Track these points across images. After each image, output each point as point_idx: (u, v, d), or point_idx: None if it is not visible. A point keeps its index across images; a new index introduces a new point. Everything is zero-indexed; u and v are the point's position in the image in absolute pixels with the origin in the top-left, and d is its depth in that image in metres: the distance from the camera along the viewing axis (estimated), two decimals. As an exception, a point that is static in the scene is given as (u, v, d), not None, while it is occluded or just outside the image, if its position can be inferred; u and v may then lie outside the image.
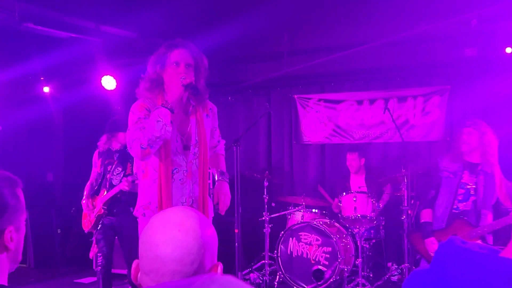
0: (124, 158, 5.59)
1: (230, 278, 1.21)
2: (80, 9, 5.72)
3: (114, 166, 5.61)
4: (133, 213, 3.55)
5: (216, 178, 3.69)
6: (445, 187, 4.71)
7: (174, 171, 3.38)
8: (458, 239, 1.27)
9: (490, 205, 4.62)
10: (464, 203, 4.64)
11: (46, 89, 8.16)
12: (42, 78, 7.97)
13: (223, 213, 3.59)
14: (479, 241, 4.43)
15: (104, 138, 5.69)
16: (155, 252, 1.38)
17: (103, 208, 5.56)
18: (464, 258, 1.21)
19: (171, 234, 1.38)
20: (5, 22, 5.42)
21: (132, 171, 5.51)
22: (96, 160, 5.76)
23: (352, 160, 6.75)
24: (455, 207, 4.65)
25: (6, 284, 1.66)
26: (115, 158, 5.63)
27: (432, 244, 4.63)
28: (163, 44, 3.46)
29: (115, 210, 5.56)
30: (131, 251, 5.58)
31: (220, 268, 1.47)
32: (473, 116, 4.87)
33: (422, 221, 4.80)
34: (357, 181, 6.80)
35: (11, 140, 8.25)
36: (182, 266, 1.36)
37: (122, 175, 5.54)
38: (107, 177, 5.61)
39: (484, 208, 4.58)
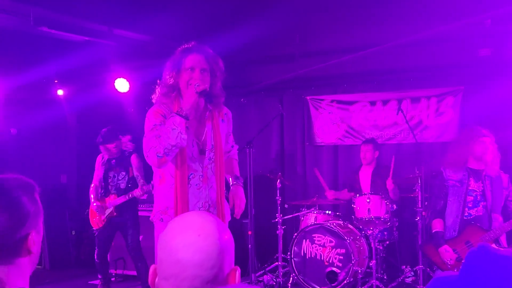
0: (123, 163, 6.24)
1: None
2: (94, 13, 5.75)
3: (115, 172, 6.24)
4: (150, 218, 3.56)
5: (231, 183, 3.70)
6: (453, 196, 4.70)
7: (190, 176, 3.39)
8: (490, 246, 1.24)
9: (499, 208, 4.62)
10: (475, 209, 4.62)
11: (60, 92, 8.22)
12: (56, 81, 8.03)
13: (238, 217, 3.60)
14: (493, 245, 4.40)
15: (102, 149, 6.30)
16: (175, 257, 1.39)
17: (115, 211, 6.19)
18: (498, 265, 1.18)
19: (191, 239, 1.40)
20: (20, 27, 5.47)
21: (133, 174, 6.22)
22: (100, 166, 6.36)
23: (367, 152, 6.72)
24: (466, 214, 4.63)
25: (28, 287, 1.69)
26: (113, 164, 6.23)
27: (446, 252, 4.59)
28: (178, 49, 3.44)
29: (123, 211, 6.20)
30: (133, 239, 6.20)
31: (238, 272, 1.48)
32: (480, 126, 4.86)
33: (434, 231, 4.77)
34: (366, 173, 6.77)
35: (26, 142, 8.31)
36: (202, 270, 1.38)
37: (127, 179, 6.19)
38: (109, 181, 6.24)
39: (494, 211, 4.58)
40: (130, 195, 6.08)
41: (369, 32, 6.78)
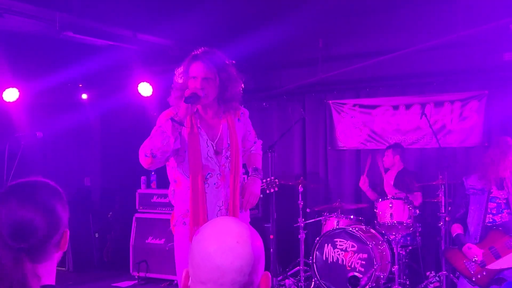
0: None
1: None
2: (118, 18, 5.82)
3: None
4: (171, 222, 3.59)
5: (249, 174, 3.72)
6: (474, 204, 4.65)
7: (208, 176, 3.44)
8: None
9: None
10: (500, 215, 4.56)
11: (84, 96, 8.33)
12: (80, 85, 8.13)
13: (245, 210, 3.59)
14: None
15: None
16: (213, 262, 1.43)
17: None
18: None
19: (230, 245, 1.45)
20: (46, 31, 5.56)
21: None
22: None
23: (386, 156, 6.77)
24: (490, 221, 4.56)
25: (54, 284, 1.79)
26: None
27: (469, 250, 4.52)
28: (188, 56, 3.51)
29: None
30: None
31: (269, 277, 1.53)
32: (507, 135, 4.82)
33: (454, 234, 4.73)
34: (389, 177, 6.74)
35: (51, 145, 8.43)
36: (241, 276, 1.43)
37: None
38: None
39: None
40: None
41: (393, 36, 6.76)
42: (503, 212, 4.55)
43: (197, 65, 3.40)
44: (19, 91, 7.09)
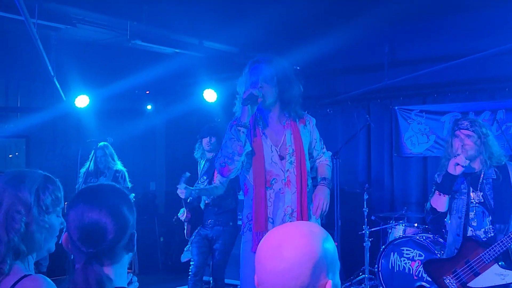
0: None
1: None
2: (185, 26, 5.93)
3: None
4: (241, 229, 3.62)
5: (318, 183, 3.70)
6: (454, 208, 3.82)
7: (273, 182, 3.45)
8: None
9: (507, 218, 3.65)
10: (484, 229, 3.69)
11: (149, 107, 8.53)
12: (147, 92, 8.32)
13: (317, 217, 3.54)
14: (495, 265, 3.57)
15: None
16: (263, 266, 1.48)
17: None
18: None
19: (273, 249, 1.48)
20: (116, 40, 5.74)
21: None
22: None
23: None
24: (473, 235, 3.72)
25: (126, 286, 1.83)
26: None
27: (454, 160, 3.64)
28: (248, 63, 3.60)
29: None
30: None
31: (328, 284, 1.46)
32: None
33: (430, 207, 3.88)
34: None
35: (118, 150, 8.65)
36: (285, 280, 1.44)
37: None
38: None
39: (499, 221, 3.65)
40: None
41: (461, 40, 6.56)
42: (486, 223, 3.68)
43: (255, 67, 3.49)
44: (89, 98, 7.33)
